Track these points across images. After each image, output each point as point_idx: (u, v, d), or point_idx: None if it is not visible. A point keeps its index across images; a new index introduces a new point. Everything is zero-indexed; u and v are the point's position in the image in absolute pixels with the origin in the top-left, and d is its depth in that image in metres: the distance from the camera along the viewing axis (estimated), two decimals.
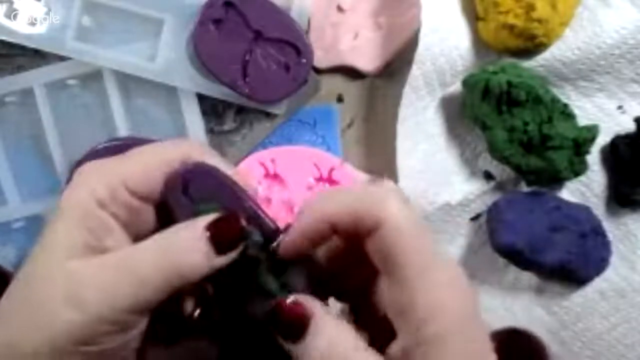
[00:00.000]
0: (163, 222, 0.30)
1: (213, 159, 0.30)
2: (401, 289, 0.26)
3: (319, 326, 0.27)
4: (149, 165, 0.30)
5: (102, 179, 0.29)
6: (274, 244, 0.28)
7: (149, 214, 0.30)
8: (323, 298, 0.29)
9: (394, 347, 0.26)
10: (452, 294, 0.26)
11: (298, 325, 0.27)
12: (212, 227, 0.28)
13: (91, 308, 0.26)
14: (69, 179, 0.46)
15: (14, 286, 0.28)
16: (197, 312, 0.31)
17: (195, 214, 0.28)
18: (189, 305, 0.31)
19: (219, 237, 0.28)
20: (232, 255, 0.28)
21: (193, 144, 0.31)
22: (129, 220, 0.29)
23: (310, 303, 0.27)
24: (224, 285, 0.30)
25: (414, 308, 0.26)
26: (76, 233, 0.28)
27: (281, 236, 0.28)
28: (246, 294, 0.29)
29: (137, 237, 0.30)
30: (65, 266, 0.27)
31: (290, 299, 0.27)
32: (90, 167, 0.30)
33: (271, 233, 0.28)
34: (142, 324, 0.28)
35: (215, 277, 0.28)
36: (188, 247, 0.27)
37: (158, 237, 0.28)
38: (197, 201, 0.29)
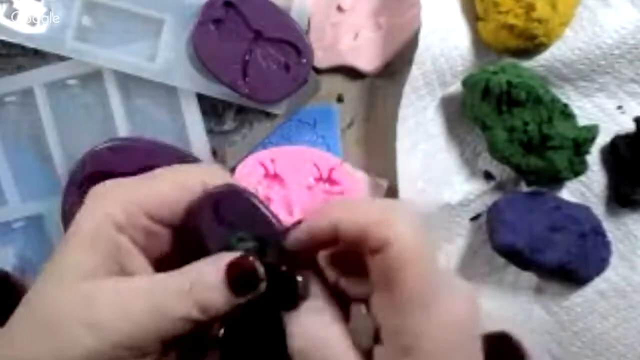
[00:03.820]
0: (182, 244, 0.30)
1: (229, 180, 0.30)
2: (396, 312, 0.26)
3: (312, 304, 0.28)
4: (168, 190, 0.29)
5: (119, 202, 0.29)
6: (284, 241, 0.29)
7: (166, 237, 0.30)
8: None
9: (377, 351, 0.27)
10: (450, 335, 0.26)
11: (296, 296, 0.28)
12: (229, 269, 0.28)
13: (109, 334, 0.26)
14: (69, 179, 0.46)
15: (26, 308, 0.28)
16: (221, 332, 0.31)
17: (225, 238, 0.28)
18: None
19: (239, 281, 0.28)
20: (250, 296, 0.28)
21: (212, 168, 0.31)
22: (147, 243, 0.29)
23: (314, 284, 0.28)
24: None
25: (405, 334, 0.26)
26: (93, 256, 0.28)
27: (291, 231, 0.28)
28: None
29: (155, 259, 0.30)
30: (82, 289, 0.27)
31: (296, 273, 0.28)
32: (106, 190, 0.29)
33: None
34: (160, 347, 0.28)
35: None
36: (208, 285, 0.27)
37: (187, 272, 0.28)
38: (227, 223, 0.29)
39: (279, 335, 0.28)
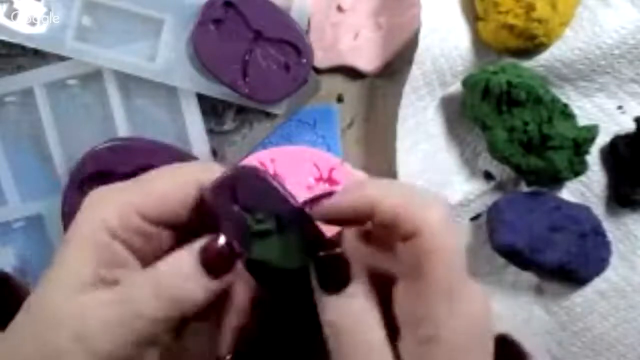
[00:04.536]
0: (180, 243, 0.30)
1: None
2: (420, 301, 0.26)
3: (357, 290, 0.27)
4: (163, 190, 0.29)
5: (113, 207, 0.28)
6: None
7: (163, 238, 0.30)
8: None
9: (400, 345, 0.26)
10: (469, 330, 0.26)
11: (340, 279, 0.27)
12: (203, 253, 0.27)
13: (97, 345, 0.26)
14: (69, 179, 0.46)
15: (24, 316, 0.27)
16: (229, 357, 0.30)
17: (243, 221, 0.28)
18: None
19: (211, 263, 0.27)
20: (228, 277, 0.28)
21: (206, 164, 0.30)
22: (143, 246, 0.29)
23: (357, 268, 0.27)
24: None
25: (427, 324, 0.26)
26: (87, 265, 0.27)
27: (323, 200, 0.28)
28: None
29: (151, 262, 0.29)
30: (74, 301, 0.27)
31: (339, 251, 0.27)
32: (99, 196, 0.29)
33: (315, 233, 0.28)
34: (154, 355, 0.27)
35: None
36: (181, 276, 0.27)
37: (152, 269, 0.27)
38: (244, 205, 0.28)
39: (312, 316, 0.28)
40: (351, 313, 0.27)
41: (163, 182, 0.29)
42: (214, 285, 0.27)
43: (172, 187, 0.29)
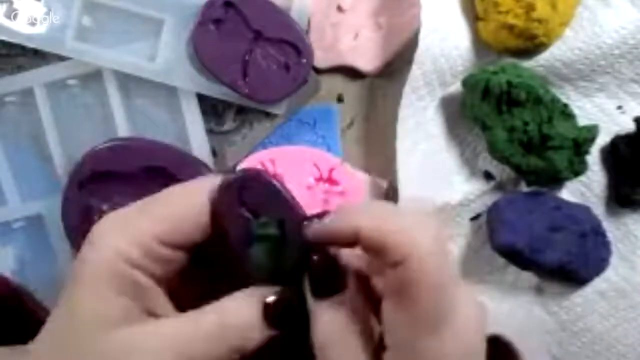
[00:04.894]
0: (193, 261, 0.30)
1: None
2: (406, 327, 0.26)
3: (346, 298, 0.27)
4: (178, 214, 0.28)
5: (130, 236, 0.27)
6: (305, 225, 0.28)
7: (177, 259, 0.29)
8: None
9: (385, 356, 0.26)
10: (459, 352, 0.26)
11: (332, 285, 0.27)
12: (269, 307, 0.27)
13: None
14: (69, 179, 0.46)
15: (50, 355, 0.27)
16: None
17: (247, 225, 0.28)
18: None
19: (277, 315, 0.27)
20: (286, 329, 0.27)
21: (214, 179, 0.29)
22: (162, 272, 0.28)
23: (350, 275, 0.27)
24: None
25: (414, 349, 0.25)
26: (109, 300, 0.26)
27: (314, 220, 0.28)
28: None
29: (171, 286, 0.29)
30: (103, 339, 0.26)
31: (334, 257, 0.27)
32: (109, 226, 0.28)
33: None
34: None
35: None
36: (247, 327, 0.27)
37: (212, 312, 0.27)
38: (251, 208, 0.28)
39: (304, 323, 0.27)
40: (339, 321, 0.26)
41: (177, 204, 0.29)
42: (274, 332, 0.27)
43: (186, 209, 0.29)
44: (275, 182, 0.28)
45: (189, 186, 0.30)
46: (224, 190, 0.28)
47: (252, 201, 0.28)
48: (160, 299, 0.28)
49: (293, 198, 0.29)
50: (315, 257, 0.27)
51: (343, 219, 0.27)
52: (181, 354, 0.26)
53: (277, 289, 0.28)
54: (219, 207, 0.28)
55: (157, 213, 0.28)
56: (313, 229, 0.28)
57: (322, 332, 0.27)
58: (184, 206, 0.29)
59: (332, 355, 0.26)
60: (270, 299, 0.27)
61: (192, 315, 0.27)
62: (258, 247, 0.28)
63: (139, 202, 0.29)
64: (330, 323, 0.27)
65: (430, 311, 0.25)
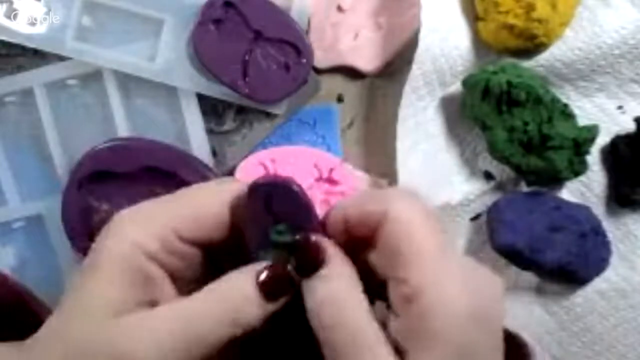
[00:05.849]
0: (211, 263, 0.30)
1: None
2: (406, 281, 0.26)
3: (331, 271, 0.27)
4: (200, 212, 0.29)
5: (149, 229, 0.28)
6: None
7: (194, 257, 0.30)
8: None
9: (393, 325, 0.27)
10: (460, 291, 0.26)
11: (314, 262, 0.27)
12: (263, 278, 0.28)
13: None
14: (69, 179, 0.46)
15: (49, 346, 0.27)
16: None
17: (266, 229, 0.29)
18: None
19: (270, 287, 0.28)
20: (283, 300, 0.28)
21: (236, 183, 0.30)
22: (178, 267, 0.29)
23: (331, 250, 0.28)
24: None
25: (418, 299, 0.26)
26: (121, 290, 0.27)
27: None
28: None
29: (180, 280, 0.29)
30: (112, 325, 0.26)
31: (314, 238, 0.28)
32: (128, 218, 0.29)
33: None
34: None
35: None
36: (243, 299, 0.27)
37: (211, 290, 0.28)
38: (274, 213, 0.29)
39: (299, 308, 0.28)
40: (328, 296, 0.27)
41: (198, 202, 0.29)
42: (271, 307, 0.28)
43: (209, 207, 0.29)
44: (302, 193, 0.29)
45: (211, 186, 0.31)
46: (253, 191, 0.29)
47: (278, 208, 0.29)
48: (169, 293, 0.29)
49: (315, 213, 0.29)
50: (296, 237, 0.28)
51: (332, 215, 0.28)
52: (184, 333, 0.26)
53: (268, 264, 0.28)
54: (242, 207, 0.29)
55: (179, 208, 0.29)
56: (345, 208, 0.28)
57: (314, 310, 0.27)
58: (206, 205, 0.29)
59: (329, 329, 0.27)
60: (263, 274, 0.28)
61: (192, 297, 0.28)
62: (271, 252, 0.29)
63: (161, 197, 0.29)
64: (320, 299, 0.27)
65: (424, 244, 0.26)
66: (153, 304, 0.28)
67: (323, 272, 0.27)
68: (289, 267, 0.28)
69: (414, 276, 0.26)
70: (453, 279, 0.26)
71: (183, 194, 0.30)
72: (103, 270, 0.27)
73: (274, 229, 0.29)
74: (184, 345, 0.26)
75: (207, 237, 0.29)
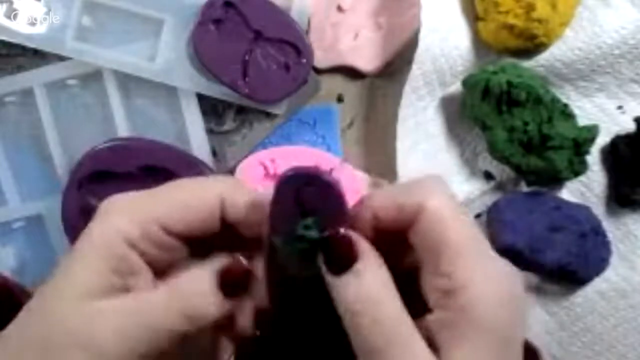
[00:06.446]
0: (193, 254, 0.30)
1: (249, 194, 0.30)
2: (449, 274, 0.26)
3: (365, 266, 0.27)
4: (186, 205, 0.29)
5: (132, 217, 0.28)
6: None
7: (177, 250, 0.29)
8: None
9: (428, 319, 0.27)
10: (500, 281, 0.26)
11: (346, 258, 0.27)
12: (220, 275, 0.28)
13: (103, 354, 0.26)
14: (69, 179, 0.46)
15: (24, 321, 0.27)
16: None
17: (293, 222, 0.28)
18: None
19: (227, 284, 0.28)
20: (240, 298, 0.28)
21: (232, 182, 0.30)
22: (157, 256, 0.29)
23: (364, 246, 0.27)
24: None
25: (461, 292, 0.26)
26: (98, 274, 0.27)
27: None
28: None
29: (164, 274, 0.29)
30: (83, 309, 0.27)
31: (346, 233, 0.27)
32: (113, 205, 0.29)
33: None
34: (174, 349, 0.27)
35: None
36: (200, 294, 0.27)
37: (171, 284, 0.28)
38: (304, 206, 0.28)
39: (327, 304, 0.27)
40: (364, 292, 0.26)
41: (187, 195, 0.29)
42: (229, 304, 0.28)
43: (196, 201, 0.29)
44: (337, 188, 0.28)
45: (202, 181, 0.31)
46: (284, 181, 0.28)
47: (308, 200, 0.28)
48: (147, 284, 0.29)
49: (348, 208, 0.29)
50: (325, 234, 0.28)
51: (362, 208, 0.28)
52: (141, 324, 0.26)
53: (229, 259, 0.28)
54: (271, 197, 0.28)
55: (165, 199, 0.29)
56: (375, 202, 0.28)
57: (345, 305, 0.27)
58: (194, 199, 0.29)
59: (360, 325, 0.26)
60: (220, 268, 0.28)
61: (156, 289, 0.28)
62: (292, 245, 0.28)
63: (154, 188, 0.29)
64: (351, 295, 0.27)
65: (462, 241, 0.26)
66: (129, 290, 0.28)
67: (356, 267, 0.27)
68: (245, 263, 0.28)
69: (457, 269, 0.26)
70: (494, 271, 0.26)
71: (174, 185, 0.30)
72: (84, 254, 0.27)
73: (302, 223, 0.28)
74: (140, 335, 0.26)
75: (194, 230, 0.29)
